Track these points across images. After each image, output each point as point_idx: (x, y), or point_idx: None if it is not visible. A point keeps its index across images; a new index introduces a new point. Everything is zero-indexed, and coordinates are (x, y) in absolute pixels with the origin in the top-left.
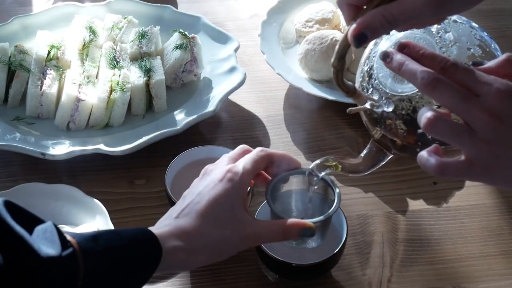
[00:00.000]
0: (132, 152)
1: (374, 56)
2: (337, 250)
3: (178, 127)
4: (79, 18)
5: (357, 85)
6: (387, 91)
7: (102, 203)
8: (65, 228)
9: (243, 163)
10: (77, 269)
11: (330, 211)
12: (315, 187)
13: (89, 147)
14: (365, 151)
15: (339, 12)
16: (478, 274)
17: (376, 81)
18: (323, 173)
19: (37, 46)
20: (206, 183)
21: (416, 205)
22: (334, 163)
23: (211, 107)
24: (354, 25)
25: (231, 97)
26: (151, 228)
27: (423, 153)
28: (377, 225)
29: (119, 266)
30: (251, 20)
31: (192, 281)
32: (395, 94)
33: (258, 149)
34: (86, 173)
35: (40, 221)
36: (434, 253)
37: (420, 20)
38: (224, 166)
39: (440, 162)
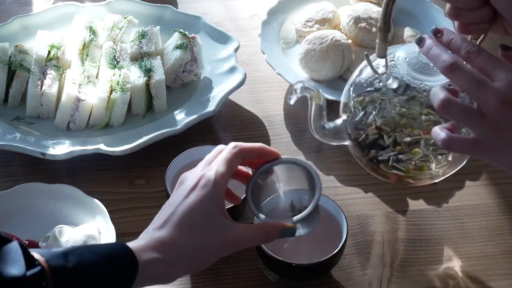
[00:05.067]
0: (132, 152)
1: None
2: (337, 250)
3: (178, 127)
4: (79, 18)
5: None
6: (402, 73)
7: (102, 203)
8: (64, 228)
9: (216, 166)
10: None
11: (309, 207)
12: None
13: (89, 147)
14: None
15: (339, 12)
16: (478, 274)
17: (397, 61)
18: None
19: (37, 46)
20: (181, 192)
21: (416, 205)
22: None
23: (211, 107)
24: None
25: (231, 97)
26: (128, 243)
27: (436, 128)
28: (377, 225)
29: (92, 283)
30: (251, 20)
31: (192, 281)
32: (407, 78)
33: (231, 145)
34: (86, 173)
35: (6, 241)
36: (434, 253)
37: None
38: (198, 172)
39: (449, 135)
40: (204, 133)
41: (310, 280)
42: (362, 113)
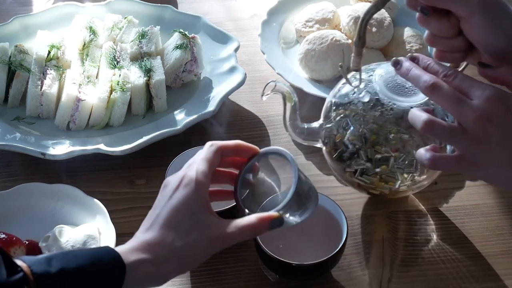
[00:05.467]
0: (132, 152)
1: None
2: (337, 250)
3: (178, 127)
4: (79, 18)
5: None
6: (376, 89)
7: (102, 203)
8: (64, 228)
9: (195, 166)
10: None
11: (289, 193)
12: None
13: (89, 147)
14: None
15: (339, 12)
16: (478, 274)
17: (374, 77)
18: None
19: (37, 46)
20: (164, 194)
21: (416, 205)
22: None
23: (211, 107)
24: None
25: (231, 97)
26: (114, 247)
27: (421, 150)
28: (377, 225)
29: (78, 287)
30: (251, 20)
31: (192, 281)
32: (379, 95)
33: (208, 144)
34: (86, 173)
35: None
36: (434, 253)
37: None
38: (179, 174)
39: (434, 155)
40: (204, 133)
41: (310, 280)
42: (338, 124)
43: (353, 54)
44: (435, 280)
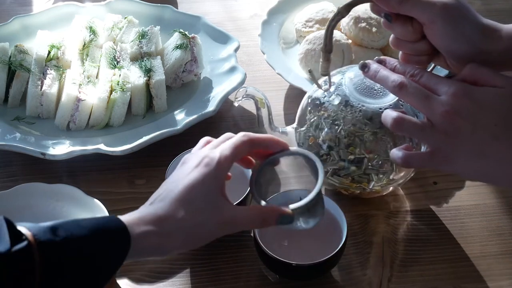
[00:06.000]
0: (132, 152)
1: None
2: (337, 250)
3: (178, 127)
4: (79, 18)
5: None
6: (345, 92)
7: (102, 203)
8: None
9: (221, 148)
10: (32, 263)
11: (309, 196)
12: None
13: (89, 147)
14: None
15: None
16: (478, 274)
17: (344, 81)
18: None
19: (37, 46)
20: (182, 171)
21: (416, 205)
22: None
23: (211, 107)
24: None
25: (231, 97)
26: (121, 217)
27: (394, 150)
28: (377, 225)
29: (82, 257)
30: (251, 20)
31: (192, 281)
32: (349, 97)
33: (240, 134)
34: (86, 173)
35: None
36: (434, 253)
37: None
38: (202, 153)
39: (406, 153)
40: (204, 133)
41: (310, 280)
42: (311, 127)
43: (321, 60)
44: (435, 280)
